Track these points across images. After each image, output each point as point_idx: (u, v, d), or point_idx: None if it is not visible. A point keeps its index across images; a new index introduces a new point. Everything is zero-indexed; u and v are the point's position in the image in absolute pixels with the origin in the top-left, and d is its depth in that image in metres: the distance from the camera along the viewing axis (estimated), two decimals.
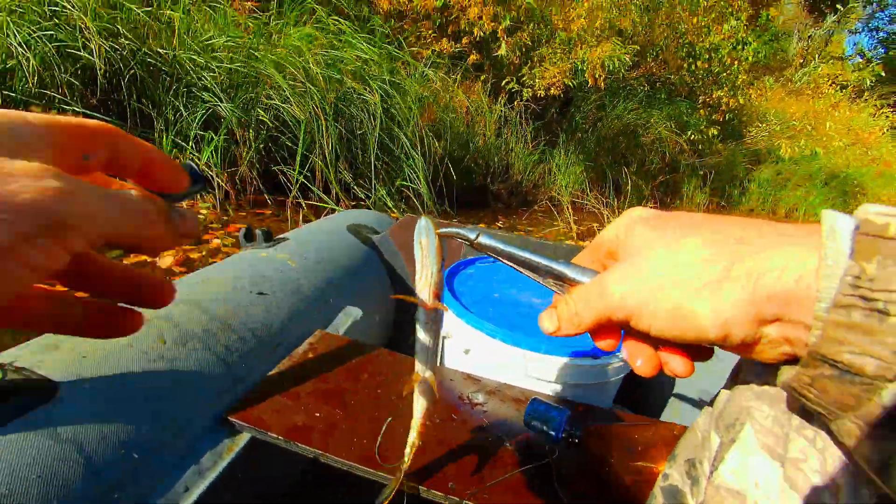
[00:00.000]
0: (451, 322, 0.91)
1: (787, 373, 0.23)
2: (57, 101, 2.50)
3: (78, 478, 0.47)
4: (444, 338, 0.96)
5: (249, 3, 3.38)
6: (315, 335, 0.83)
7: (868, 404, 0.20)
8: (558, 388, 0.82)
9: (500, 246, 0.35)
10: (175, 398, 0.59)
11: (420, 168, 3.22)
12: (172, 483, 0.54)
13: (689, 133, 5.66)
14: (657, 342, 0.29)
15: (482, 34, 4.18)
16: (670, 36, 5.55)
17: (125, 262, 1.87)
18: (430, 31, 4.38)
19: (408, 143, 3.22)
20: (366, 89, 3.13)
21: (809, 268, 0.22)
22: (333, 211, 2.76)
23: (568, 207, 3.81)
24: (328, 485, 0.86)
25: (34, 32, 2.41)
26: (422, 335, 0.40)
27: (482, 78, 4.45)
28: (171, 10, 2.87)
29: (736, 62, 5.57)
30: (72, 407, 0.50)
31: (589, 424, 0.64)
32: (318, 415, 0.64)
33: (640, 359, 0.29)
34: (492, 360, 0.84)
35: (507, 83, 4.42)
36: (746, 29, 5.79)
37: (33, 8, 2.47)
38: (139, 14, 2.73)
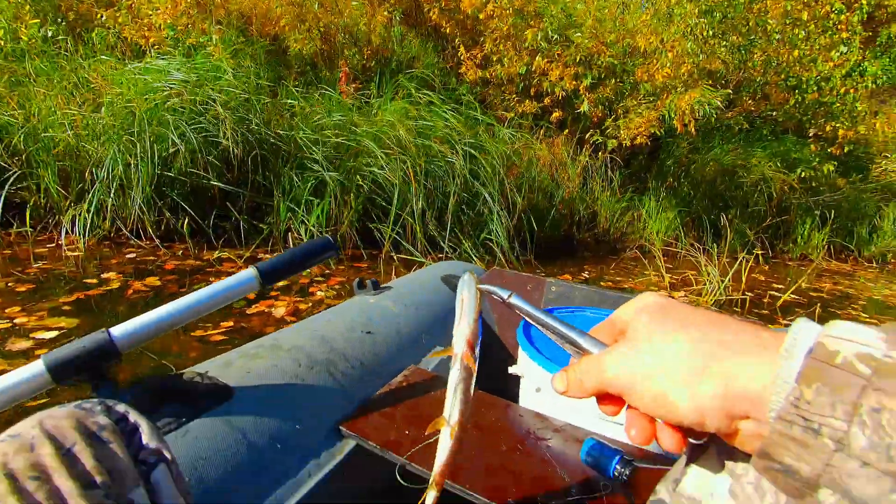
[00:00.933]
0: (526, 363, 1.00)
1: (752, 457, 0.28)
2: (201, 177, 3.06)
3: (243, 454, 0.66)
4: (519, 377, 1.05)
5: (353, 86, 3.90)
6: (409, 369, 0.98)
7: (809, 498, 0.24)
8: (621, 429, 0.86)
9: (527, 308, 0.40)
10: (306, 408, 0.78)
11: (501, 222, 3.37)
12: (298, 471, 0.71)
13: (800, 170, 5.18)
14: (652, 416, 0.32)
15: (564, 93, 4.34)
16: (769, 71, 5.27)
17: (250, 310, 2.19)
18: (512, 95, 4.65)
19: (490, 199, 3.41)
20: (452, 152, 3.40)
21: (771, 379, 0.25)
22: (422, 264, 2.98)
23: (659, 256, 3.68)
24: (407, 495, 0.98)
25: (189, 125, 3.02)
26: (453, 383, 0.41)
27: (565, 132, 4.58)
28: (291, 99, 3.42)
29: (852, 90, 5.10)
30: (241, 406, 0.71)
31: (641, 466, 0.69)
32: (406, 433, 0.78)
33: (634, 428, 0.32)
34: (561, 400, 0.91)
35: (591, 136, 4.49)
36: (862, 52, 5.31)
37: (191, 107, 3.10)
38: (266, 104, 3.30)
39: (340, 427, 0.79)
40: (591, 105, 4.29)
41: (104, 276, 2.51)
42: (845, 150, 5.24)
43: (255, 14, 4.32)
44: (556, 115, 4.52)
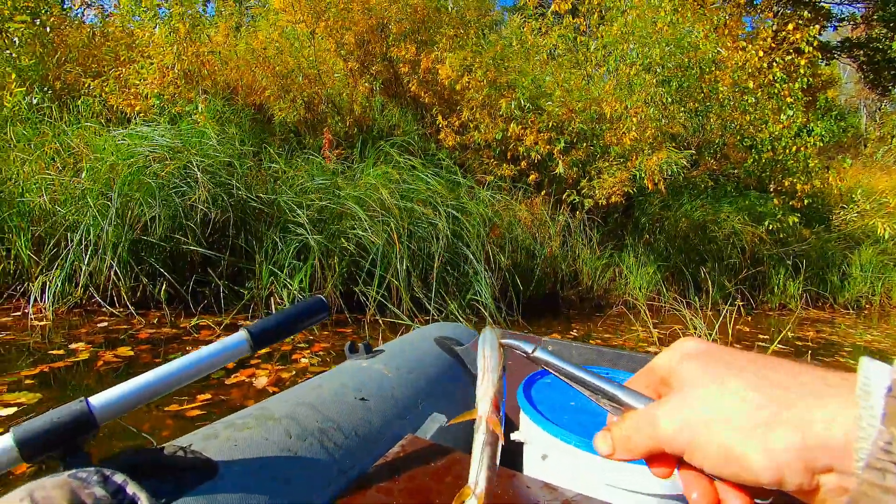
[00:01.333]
0: (529, 428, 0.94)
1: None
2: (182, 242, 3.01)
3: None
4: (522, 443, 0.98)
5: (336, 152, 4.00)
6: (406, 438, 0.91)
7: None
8: (636, 498, 0.80)
9: (556, 362, 0.37)
10: (298, 484, 0.71)
11: (485, 282, 3.37)
12: None
13: (767, 223, 5.44)
14: (713, 476, 0.28)
15: (539, 157, 4.53)
16: (726, 133, 5.66)
17: (229, 380, 2.08)
18: (490, 159, 4.83)
19: (474, 260, 3.42)
20: (434, 214, 3.45)
21: (853, 423, 0.23)
22: (408, 327, 2.91)
23: (644, 311, 3.70)
24: None
25: (171, 189, 3.01)
26: (478, 448, 0.37)
27: (543, 193, 4.73)
28: (275, 164, 3.47)
29: (803, 148, 5.50)
30: (228, 483, 0.64)
31: None
32: None
33: (695, 492, 0.29)
34: (569, 467, 0.85)
35: (569, 196, 4.65)
36: (805, 114, 5.78)
37: (172, 172, 3.11)
38: (250, 168, 3.33)
39: None
40: (565, 167, 4.48)
41: (72, 346, 2.37)
42: (805, 203, 5.56)
43: (241, 85, 4.49)
44: (532, 176, 4.69)
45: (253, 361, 2.33)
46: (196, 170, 3.11)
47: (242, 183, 3.28)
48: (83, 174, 3.06)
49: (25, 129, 3.44)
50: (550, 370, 0.38)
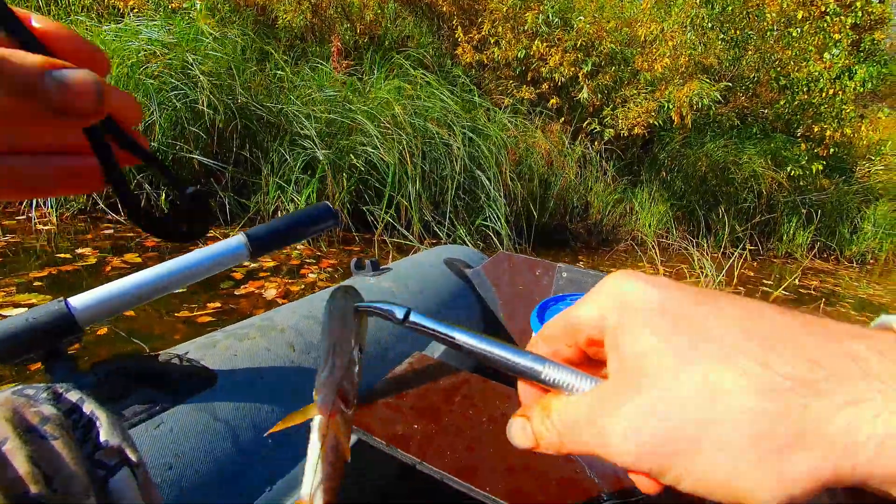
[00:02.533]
0: None
1: None
2: (185, 150, 2.90)
3: (228, 450, 0.58)
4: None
5: (345, 63, 3.74)
6: (414, 356, 0.89)
7: None
8: None
9: (437, 327, 0.27)
10: (300, 396, 0.69)
11: (501, 208, 3.28)
12: (291, 468, 0.63)
13: (789, 168, 5.23)
14: None
15: (562, 79, 4.25)
16: (762, 69, 5.27)
17: (238, 291, 2.07)
18: (510, 80, 4.54)
19: (489, 185, 3.31)
20: (449, 135, 3.29)
21: None
22: (417, 249, 2.87)
23: (654, 247, 3.64)
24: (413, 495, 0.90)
25: (169, 91, 2.84)
26: (312, 457, 0.27)
27: (561, 121, 4.50)
28: (280, 71, 3.25)
29: (840, 92, 5.14)
30: (226, 394, 0.62)
31: None
32: (416, 427, 0.69)
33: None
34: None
35: (589, 124, 4.42)
36: (849, 56, 5.35)
37: (170, 73, 2.92)
38: (253, 73, 3.13)
39: None
40: (590, 92, 4.21)
41: (79, 251, 2.35)
42: (830, 152, 5.30)
43: None
44: (553, 101, 4.43)
45: (262, 274, 2.31)
46: (196, 70, 2.91)
47: (246, 90, 3.09)
48: None
49: None
50: (439, 340, 0.28)
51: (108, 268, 2.19)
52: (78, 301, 0.51)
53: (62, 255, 2.27)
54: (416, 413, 0.74)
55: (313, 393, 0.28)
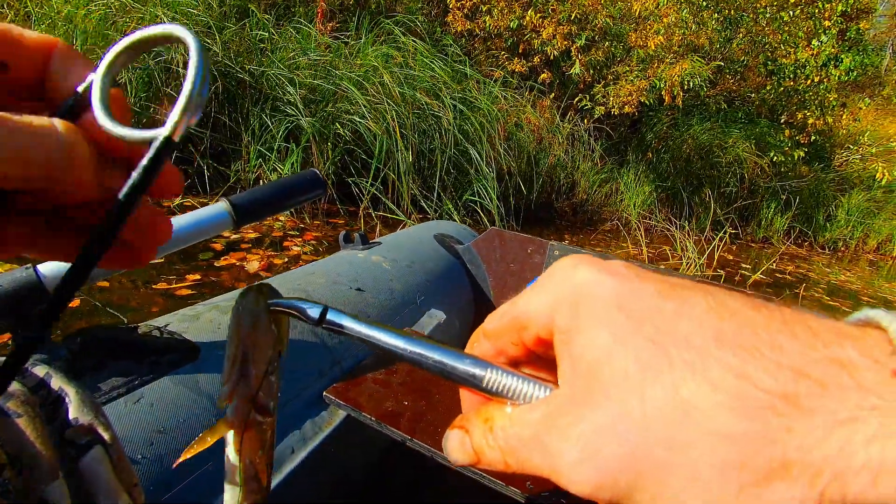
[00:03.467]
0: None
1: None
2: (159, 112, 2.76)
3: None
4: None
5: (331, 24, 3.59)
6: (404, 332, 0.87)
7: None
8: None
9: (359, 328, 0.23)
10: (287, 372, 0.68)
11: (492, 184, 3.24)
12: (281, 438, 0.62)
13: (773, 154, 5.30)
14: None
15: (555, 53, 4.17)
16: (752, 52, 5.27)
17: (218, 262, 2.01)
18: (501, 51, 4.43)
19: (479, 160, 3.25)
20: (439, 106, 3.20)
21: None
22: (404, 224, 2.83)
23: (640, 228, 3.66)
24: (398, 472, 0.90)
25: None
26: (231, 471, 0.25)
27: (552, 95, 4.43)
28: (261, 32, 3.10)
29: (825, 80, 5.18)
30: (211, 366, 0.60)
31: None
32: (405, 403, 0.69)
33: None
34: None
35: (580, 101, 4.37)
36: (836, 45, 5.38)
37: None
38: (231, 35, 2.98)
39: (327, 395, 0.69)
40: (582, 68, 4.15)
41: None
42: (811, 139, 5.38)
43: None
44: (544, 76, 4.36)
45: (244, 246, 2.25)
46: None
47: (225, 50, 2.94)
48: (32, 25, 2.68)
49: None
50: (361, 342, 0.23)
51: None
52: (47, 268, 0.47)
53: None
54: (406, 389, 0.73)
55: (221, 404, 0.24)
